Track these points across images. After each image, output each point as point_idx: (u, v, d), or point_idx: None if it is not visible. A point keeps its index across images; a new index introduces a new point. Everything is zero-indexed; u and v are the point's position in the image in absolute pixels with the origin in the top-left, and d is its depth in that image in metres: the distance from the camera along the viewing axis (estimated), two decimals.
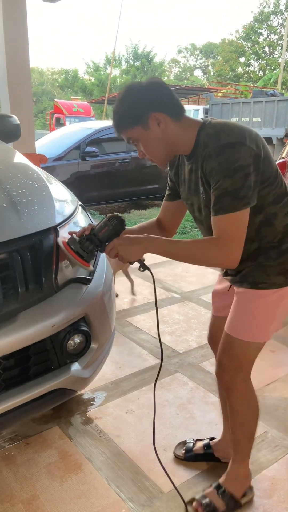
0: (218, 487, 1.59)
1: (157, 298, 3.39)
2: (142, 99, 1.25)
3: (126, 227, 1.35)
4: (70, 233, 1.36)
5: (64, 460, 1.81)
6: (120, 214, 1.36)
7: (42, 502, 1.61)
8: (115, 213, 1.36)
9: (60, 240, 1.50)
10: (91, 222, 1.40)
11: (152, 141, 1.29)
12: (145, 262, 1.35)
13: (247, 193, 1.21)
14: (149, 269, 1.35)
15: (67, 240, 1.34)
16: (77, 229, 1.73)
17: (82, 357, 1.64)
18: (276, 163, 3.30)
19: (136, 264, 1.37)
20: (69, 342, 1.55)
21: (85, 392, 2.26)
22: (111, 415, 2.10)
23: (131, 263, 1.36)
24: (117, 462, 1.80)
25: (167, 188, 1.60)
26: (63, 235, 1.58)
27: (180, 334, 2.91)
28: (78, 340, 1.60)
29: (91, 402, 2.20)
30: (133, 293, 3.51)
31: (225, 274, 1.51)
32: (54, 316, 1.47)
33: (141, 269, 1.35)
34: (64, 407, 2.13)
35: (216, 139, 1.23)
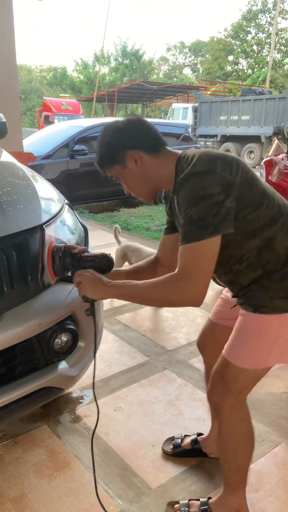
0: (205, 504, 1.51)
1: None
2: (118, 138, 1.29)
3: (111, 270, 1.37)
4: (65, 244, 1.40)
5: (52, 459, 1.81)
6: (112, 258, 1.37)
7: (30, 500, 1.61)
8: (110, 255, 1.37)
9: (49, 241, 1.52)
10: (85, 247, 1.42)
11: (132, 178, 1.33)
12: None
13: (213, 221, 1.15)
14: (94, 316, 1.35)
15: (54, 245, 1.38)
16: (64, 228, 1.73)
17: (69, 355, 1.64)
18: (263, 161, 3.32)
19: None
20: (56, 340, 1.56)
21: (74, 391, 2.26)
22: (100, 413, 2.10)
23: (86, 300, 1.32)
24: (105, 459, 1.81)
25: (166, 223, 1.58)
26: (49, 233, 1.58)
27: (169, 331, 2.92)
28: (65, 339, 1.60)
29: (80, 400, 2.20)
30: None
31: (232, 296, 1.44)
32: (40, 315, 1.48)
33: (87, 312, 1.35)
34: (53, 406, 2.13)
35: (187, 170, 1.22)
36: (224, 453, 1.46)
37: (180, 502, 1.56)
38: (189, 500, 1.56)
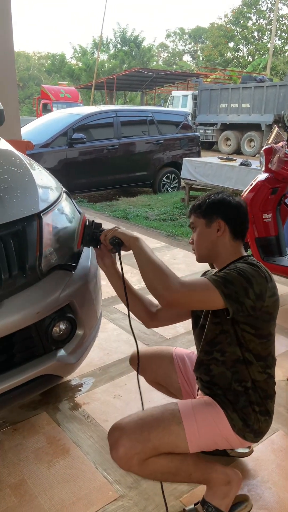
0: (204, 503, 1.48)
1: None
2: (223, 206, 1.45)
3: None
4: (97, 223, 1.51)
5: (52, 445, 1.83)
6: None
7: (30, 486, 1.63)
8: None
9: (83, 215, 1.61)
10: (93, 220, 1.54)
11: (205, 238, 1.47)
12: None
13: (232, 291, 1.26)
14: (119, 255, 1.47)
15: (88, 220, 1.50)
16: (61, 216, 1.72)
17: (67, 343, 1.64)
18: (262, 149, 3.28)
19: None
20: (54, 328, 1.56)
21: (73, 378, 2.27)
22: (99, 401, 2.12)
23: (112, 241, 1.43)
24: (104, 446, 1.82)
25: None
26: (47, 222, 1.57)
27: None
28: (63, 327, 1.60)
29: (79, 388, 2.22)
30: None
31: (200, 381, 1.51)
32: (38, 303, 1.47)
33: (113, 250, 1.46)
34: (52, 393, 2.15)
35: (254, 262, 1.37)
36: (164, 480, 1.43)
37: (187, 509, 1.52)
38: (195, 505, 1.51)
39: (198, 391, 1.57)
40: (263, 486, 1.66)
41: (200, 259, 1.52)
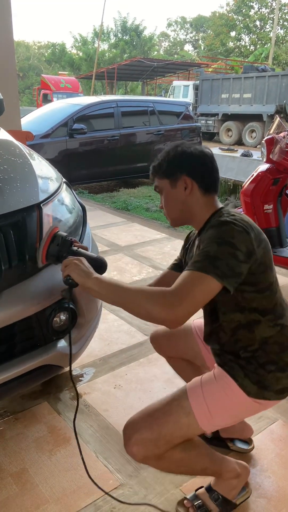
0: (210, 490, 1.48)
1: (146, 276, 3.42)
2: (184, 159, 1.31)
3: (102, 274, 1.34)
4: (69, 237, 1.43)
5: (53, 434, 1.84)
6: (107, 264, 1.40)
7: (31, 475, 1.64)
8: (105, 260, 1.40)
9: (54, 225, 1.54)
10: (87, 246, 1.49)
11: (173, 200, 1.34)
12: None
13: (224, 268, 1.15)
14: (69, 300, 1.40)
15: (57, 232, 1.41)
16: (61, 207, 1.72)
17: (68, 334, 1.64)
18: (264, 139, 3.26)
19: None
20: (54, 319, 1.56)
21: (74, 369, 2.29)
22: (100, 391, 2.13)
23: (66, 281, 1.29)
24: (105, 435, 1.84)
25: (176, 259, 1.60)
26: (47, 212, 1.57)
27: None
28: (63, 318, 1.60)
29: (80, 378, 2.23)
30: None
31: (212, 350, 1.45)
32: (38, 294, 1.47)
33: (63, 293, 1.34)
34: (53, 383, 2.16)
35: (225, 217, 1.24)
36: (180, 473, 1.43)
37: (188, 496, 1.50)
38: (196, 490, 1.51)
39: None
40: (263, 475, 1.67)
41: (174, 223, 1.40)
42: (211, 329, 1.40)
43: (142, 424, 1.27)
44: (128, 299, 1.19)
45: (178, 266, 1.57)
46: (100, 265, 1.36)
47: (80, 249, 1.40)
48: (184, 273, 1.18)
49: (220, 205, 1.36)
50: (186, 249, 1.54)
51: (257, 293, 1.27)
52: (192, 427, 1.29)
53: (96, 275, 1.25)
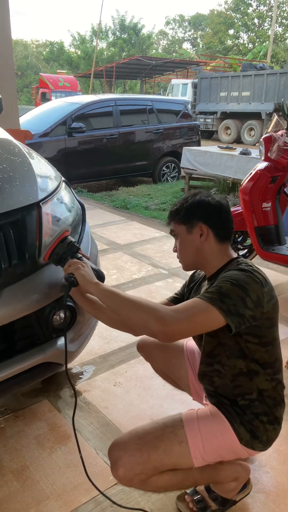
0: (209, 490, 1.48)
1: (145, 274, 3.43)
2: (202, 208, 1.35)
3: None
4: (78, 246, 1.47)
5: (53, 432, 1.85)
6: (105, 277, 1.44)
7: (31, 472, 1.65)
8: (104, 274, 1.45)
9: (65, 229, 1.57)
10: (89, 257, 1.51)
11: (188, 246, 1.38)
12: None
13: (230, 305, 1.17)
14: (65, 296, 1.38)
15: (68, 236, 1.44)
16: (61, 205, 1.73)
17: (67, 331, 1.66)
18: (262, 138, 3.27)
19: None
20: (54, 317, 1.57)
21: (74, 367, 2.30)
22: (99, 388, 2.14)
23: (67, 279, 1.34)
24: (105, 432, 1.85)
25: (176, 292, 1.62)
26: (46, 211, 1.58)
27: None
28: (63, 315, 1.61)
29: (80, 376, 2.24)
30: None
31: (205, 389, 1.46)
32: (38, 292, 1.49)
33: (60, 288, 1.38)
34: (53, 381, 2.17)
35: (243, 266, 1.28)
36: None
37: (188, 491, 1.51)
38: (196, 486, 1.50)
39: (205, 397, 1.50)
40: (261, 471, 1.69)
41: (187, 268, 1.44)
42: (205, 371, 1.41)
43: (132, 446, 1.25)
44: (126, 306, 1.22)
45: (178, 300, 1.58)
46: (99, 277, 1.40)
47: (83, 258, 1.44)
48: (194, 299, 1.22)
49: (234, 254, 1.39)
50: (190, 288, 1.57)
51: (260, 346, 1.29)
52: (183, 457, 1.28)
53: (97, 281, 1.31)
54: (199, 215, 1.34)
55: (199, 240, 1.35)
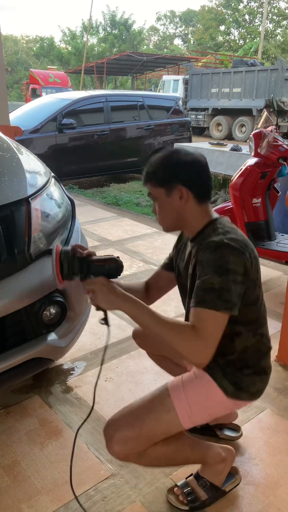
0: (198, 477, 1.52)
1: (136, 271, 3.44)
2: (179, 168, 1.30)
3: (120, 274, 1.30)
4: (73, 247, 1.28)
5: (44, 427, 1.86)
6: (122, 262, 1.31)
7: (23, 467, 1.66)
8: (119, 258, 1.30)
9: (55, 244, 1.48)
10: (89, 250, 1.32)
11: (168, 208, 1.34)
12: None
13: (232, 298, 1.19)
14: (108, 325, 1.32)
15: (62, 249, 1.26)
16: (50, 201, 1.72)
17: (58, 327, 1.66)
18: (252, 134, 3.28)
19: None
20: (44, 312, 1.57)
21: (65, 363, 2.30)
22: (91, 384, 2.15)
23: (98, 309, 1.28)
24: (96, 427, 1.86)
25: (167, 257, 1.63)
26: (35, 206, 1.58)
27: (158, 304, 2.93)
28: (53, 311, 1.61)
29: (71, 372, 2.24)
30: None
31: None
32: (28, 288, 1.48)
33: (102, 321, 1.31)
34: (44, 377, 2.17)
35: (220, 236, 1.25)
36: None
37: (179, 484, 1.54)
38: (186, 478, 1.54)
39: None
40: (251, 463, 1.71)
41: (167, 230, 1.41)
42: None
43: (123, 422, 1.29)
44: (157, 332, 1.21)
45: (169, 266, 1.60)
46: (117, 268, 1.29)
47: (91, 258, 1.28)
48: (199, 312, 1.20)
49: (214, 214, 1.37)
50: (178, 249, 1.56)
51: (243, 306, 1.28)
52: (172, 424, 1.31)
53: (123, 295, 1.24)
54: (177, 177, 1.29)
55: (178, 202, 1.31)
